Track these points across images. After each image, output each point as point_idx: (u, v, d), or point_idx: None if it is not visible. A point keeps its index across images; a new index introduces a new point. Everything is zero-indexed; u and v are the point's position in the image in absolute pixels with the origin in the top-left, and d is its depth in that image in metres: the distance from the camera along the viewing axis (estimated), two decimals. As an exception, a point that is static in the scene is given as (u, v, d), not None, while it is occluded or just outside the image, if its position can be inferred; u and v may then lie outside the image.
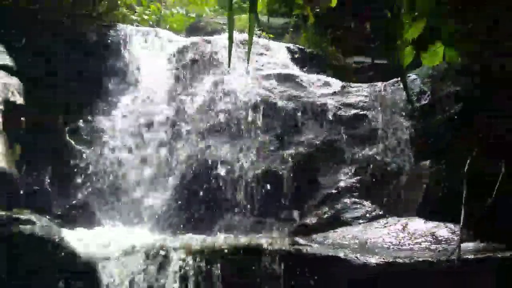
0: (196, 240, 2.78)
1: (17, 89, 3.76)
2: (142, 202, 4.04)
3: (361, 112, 4.06)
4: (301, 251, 2.29)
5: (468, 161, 2.21)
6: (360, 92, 4.28)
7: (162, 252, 2.56)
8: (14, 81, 3.81)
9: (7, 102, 3.49)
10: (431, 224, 2.43)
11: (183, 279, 2.51)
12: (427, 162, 3.07)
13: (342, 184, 3.53)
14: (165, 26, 6.51)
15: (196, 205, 3.81)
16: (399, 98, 3.99)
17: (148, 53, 5.05)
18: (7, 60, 4.00)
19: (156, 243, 2.68)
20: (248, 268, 2.44)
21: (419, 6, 3.33)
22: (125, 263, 2.40)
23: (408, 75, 4.08)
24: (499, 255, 1.90)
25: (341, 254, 2.15)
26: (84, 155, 4.26)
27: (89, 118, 4.48)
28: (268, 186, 3.77)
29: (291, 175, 3.79)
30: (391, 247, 2.30)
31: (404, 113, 3.79)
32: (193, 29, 6.37)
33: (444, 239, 2.26)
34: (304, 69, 5.04)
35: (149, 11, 6.63)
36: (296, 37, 6.07)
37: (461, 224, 1.96)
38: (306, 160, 3.85)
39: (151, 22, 6.30)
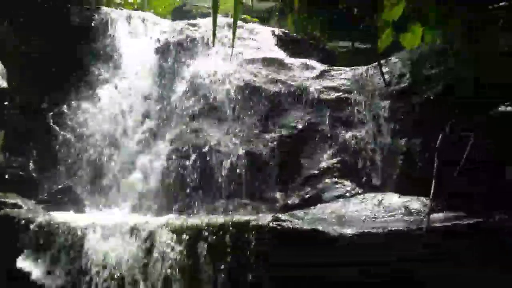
0: (180, 219, 2.85)
1: (1, 73, 3.75)
2: (126, 185, 4.09)
3: (343, 95, 4.14)
4: (283, 226, 2.38)
5: (440, 136, 2.31)
6: (342, 76, 4.34)
7: (146, 230, 2.63)
8: (-4, 64, 3.81)
9: (-11, 86, 3.48)
10: (405, 198, 2.54)
11: (168, 257, 2.58)
12: (403, 140, 3.17)
13: (323, 165, 3.62)
14: (150, 9, 6.47)
15: (181, 188, 3.87)
16: (380, 80, 4.07)
17: (133, 37, 5.04)
18: (-11, 44, 3.98)
19: (142, 222, 2.75)
20: (232, 245, 2.52)
21: (399, -12, 3.37)
22: (110, 240, 2.46)
23: (389, 58, 4.16)
24: (464, 222, 2.02)
25: (320, 227, 2.24)
26: (68, 140, 4.28)
27: (73, 103, 4.49)
28: (252, 169, 3.84)
29: (275, 157, 3.86)
30: (367, 219, 2.41)
31: (384, 95, 3.88)
32: (178, 13, 6.36)
33: (416, 211, 2.37)
34: (289, 53, 5.09)
35: (134, -5, 6.58)
36: (282, 21, 6.09)
37: (431, 195, 2.06)
38: (290, 142, 3.93)
39: (135, 6, 6.26)
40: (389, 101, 3.79)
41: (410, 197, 2.52)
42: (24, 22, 4.59)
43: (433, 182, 2.10)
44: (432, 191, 2.09)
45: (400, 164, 3.09)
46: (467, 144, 2.25)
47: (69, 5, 4.89)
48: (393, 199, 2.56)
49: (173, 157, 4.01)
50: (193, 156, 3.95)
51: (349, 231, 2.15)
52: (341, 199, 3.03)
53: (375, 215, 2.40)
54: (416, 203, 2.43)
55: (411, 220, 2.26)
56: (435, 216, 2.10)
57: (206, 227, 2.60)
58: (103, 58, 4.83)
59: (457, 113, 2.52)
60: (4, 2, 4.49)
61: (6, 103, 3.71)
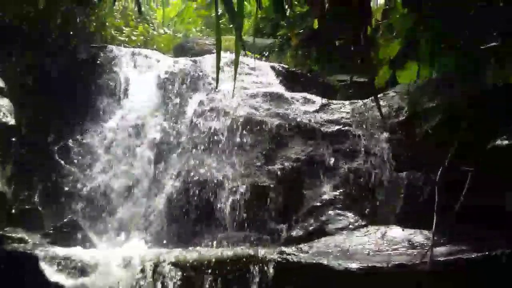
0: (185, 253, 2.88)
1: (8, 109, 3.84)
2: (131, 219, 4.12)
3: (343, 128, 4.24)
4: (288, 260, 2.41)
5: (440, 170, 2.38)
6: (342, 109, 4.46)
7: (151, 265, 2.65)
8: (5, 101, 3.90)
9: (-1, 122, 3.57)
10: (408, 232, 2.58)
11: (173, 292, 2.58)
12: (404, 174, 3.24)
13: (326, 196, 3.67)
14: (153, 45, 6.67)
15: (185, 222, 3.90)
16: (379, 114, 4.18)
17: (137, 73, 5.19)
18: (-3, 81, 4.09)
19: (147, 256, 2.77)
20: (237, 278, 2.54)
21: (395, 28, 3.55)
22: (118, 276, 2.49)
23: (387, 92, 4.28)
24: (465, 257, 2.06)
25: (325, 261, 2.28)
26: (73, 173, 4.34)
27: (79, 137, 4.58)
28: (255, 201, 3.88)
29: (278, 189, 3.91)
30: (371, 253, 2.44)
31: (383, 128, 3.98)
32: (180, 49, 6.54)
33: (419, 245, 2.41)
34: (289, 87, 5.23)
35: (137, 32, 6.80)
36: (281, 56, 6.28)
37: (433, 229, 2.11)
38: (292, 174, 3.98)
39: (139, 43, 6.46)
40: (388, 134, 3.88)
41: (414, 230, 2.56)
42: (32, 58, 4.73)
43: (435, 216, 2.15)
44: (434, 225, 2.14)
45: (403, 197, 3.14)
46: (467, 176, 2.32)
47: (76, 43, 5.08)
48: (397, 232, 2.60)
49: (177, 189, 4.06)
50: (196, 189, 3.99)
51: (353, 265, 2.18)
52: (344, 231, 3.06)
53: (379, 249, 2.44)
54: (419, 236, 2.47)
55: (415, 253, 2.30)
56: (437, 249, 2.14)
57: (209, 261, 2.62)
58: (108, 93, 4.97)
59: (455, 147, 2.59)
60: (11, 39, 4.65)
61: (13, 139, 3.78)
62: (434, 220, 2.14)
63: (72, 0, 5.25)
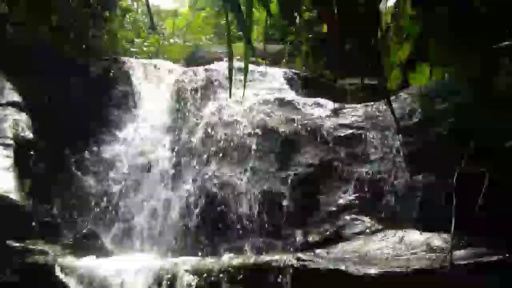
0: (203, 262, 2.90)
1: (27, 124, 3.93)
2: (148, 228, 4.16)
3: (356, 132, 4.23)
4: (306, 266, 2.42)
5: (457, 173, 2.36)
6: (354, 113, 4.45)
7: (169, 275, 2.67)
8: (23, 116, 3.99)
9: (17, 138, 3.65)
10: (426, 235, 2.56)
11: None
12: (420, 176, 3.22)
13: (341, 201, 3.66)
14: (164, 55, 6.75)
15: (201, 229, 3.92)
16: (392, 116, 4.16)
17: (149, 84, 5.26)
18: (15, 97, 4.19)
19: (164, 265, 2.80)
20: (254, 286, 2.55)
21: (406, 30, 3.54)
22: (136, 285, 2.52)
23: (400, 94, 4.26)
24: (486, 260, 2.03)
25: (343, 267, 2.27)
26: (90, 185, 4.40)
27: (94, 149, 4.65)
28: (270, 207, 3.89)
29: (292, 195, 3.92)
30: (389, 258, 2.43)
31: (397, 131, 3.96)
32: (191, 58, 6.61)
33: (438, 248, 2.39)
34: (300, 93, 5.24)
35: (148, 43, 6.90)
36: (292, 62, 6.30)
37: (452, 232, 2.09)
38: (306, 180, 3.99)
39: (150, 54, 6.55)
40: (402, 136, 3.86)
41: (432, 234, 2.54)
42: (46, 73, 4.83)
43: (453, 218, 2.14)
44: (452, 228, 2.12)
45: (419, 200, 3.12)
46: (484, 178, 2.30)
47: (88, 56, 5.18)
48: (415, 236, 2.58)
49: (192, 198, 4.10)
50: (211, 196, 4.02)
51: (372, 270, 2.17)
52: (361, 236, 3.05)
53: (397, 253, 2.42)
54: (437, 240, 2.45)
55: (434, 257, 2.28)
56: (457, 253, 2.12)
57: (226, 269, 2.63)
58: (122, 104, 5.04)
59: (472, 147, 2.57)
60: (26, 57, 4.75)
61: (32, 152, 3.86)
62: (453, 224, 2.12)
63: (84, 14, 5.36)
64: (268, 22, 5.91)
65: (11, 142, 3.57)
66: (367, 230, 3.16)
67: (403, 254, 2.42)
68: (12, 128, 3.70)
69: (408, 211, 3.23)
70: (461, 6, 2.69)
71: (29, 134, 3.82)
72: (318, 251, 2.70)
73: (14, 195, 3.24)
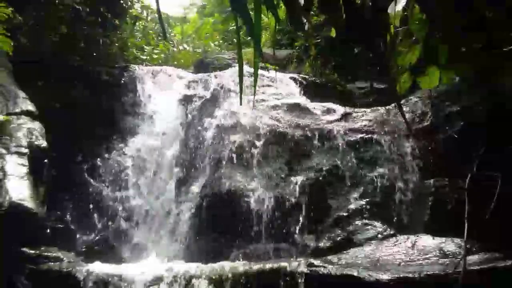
0: (217, 267, 2.91)
1: (40, 132, 3.98)
2: (159, 233, 4.18)
3: (366, 136, 4.22)
4: (317, 272, 2.41)
5: (469, 177, 2.34)
6: (364, 117, 4.45)
7: (184, 281, 2.69)
8: (36, 125, 4.05)
9: (32, 146, 3.70)
10: (439, 240, 2.54)
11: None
12: (431, 181, 3.20)
13: (352, 206, 3.65)
14: (173, 62, 6.81)
15: (212, 234, 3.93)
16: (403, 120, 4.14)
17: (159, 91, 5.30)
18: (29, 105, 4.25)
19: (178, 271, 2.81)
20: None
21: (414, 33, 3.53)
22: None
23: (410, 97, 4.25)
24: (500, 265, 2.01)
25: (355, 273, 2.27)
26: (102, 192, 4.45)
27: (106, 155, 4.69)
28: (281, 212, 3.89)
29: (303, 200, 3.92)
30: (402, 263, 2.41)
31: (407, 135, 3.94)
32: (200, 65, 6.66)
33: (451, 253, 2.37)
34: (310, 97, 5.24)
35: (158, 50, 6.97)
36: (300, 67, 6.32)
37: (465, 237, 2.08)
38: (317, 185, 3.98)
39: (160, 61, 6.61)
40: (413, 140, 3.85)
41: (444, 239, 2.52)
42: (58, 82, 4.90)
43: (466, 223, 2.12)
44: (465, 233, 2.11)
45: (430, 204, 3.10)
46: (496, 182, 2.28)
47: (98, 64, 5.25)
48: (427, 241, 2.56)
49: (202, 203, 4.11)
50: (222, 202, 4.03)
51: (384, 276, 2.16)
52: (373, 241, 3.04)
53: (410, 259, 2.41)
54: (450, 245, 2.43)
55: (447, 263, 2.26)
56: (470, 258, 2.10)
57: (239, 274, 2.64)
58: (132, 111, 5.09)
59: (483, 150, 2.55)
60: (38, 68, 4.82)
61: (45, 160, 3.91)
62: (465, 228, 2.11)
63: (94, 23, 5.43)
64: (276, 27, 5.95)
65: (26, 150, 3.62)
66: (379, 235, 3.14)
67: (416, 259, 2.40)
68: (26, 136, 3.76)
69: (420, 215, 3.22)
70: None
71: (43, 142, 3.86)
72: (329, 257, 2.69)
73: (28, 203, 3.28)
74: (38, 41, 4.89)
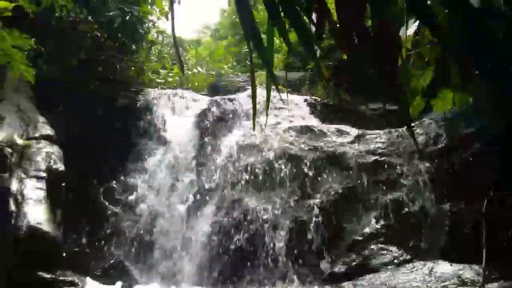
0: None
1: (58, 156, 4.07)
2: (174, 258, 4.18)
3: (380, 158, 4.20)
4: (333, 300, 2.38)
5: (486, 201, 2.30)
6: (377, 139, 4.44)
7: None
8: (54, 149, 4.14)
9: (50, 170, 3.78)
10: (456, 267, 2.49)
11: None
12: (448, 205, 3.15)
13: (367, 230, 3.61)
14: (188, 85, 6.92)
15: (226, 257, 3.92)
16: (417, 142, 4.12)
17: (174, 114, 5.39)
18: (48, 130, 4.36)
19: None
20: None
21: (426, 56, 3.55)
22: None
23: (423, 120, 4.23)
24: (521, 294, 1.96)
25: (371, 301, 2.23)
26: (117, 215, 4.48)
27: (122, 178, 4.75)
28: (295, 236, 3.87)
29: (317, 223, 3.89)
30: (419, 291, 2.37)
31: (422, 157, 3.91)
32: (214, 87, 6.74)
33: (470, 281, 2.31)
34: (322, 119, 5.26)
35: (172, 73, 7.09)
36: (313, 89, 6.35)
37: (483, 264, 2.04)
38: (330, 207, 3.96)
39: (174, 84, 6.72)
40: (427, 163, 3.82)
41: (462, 265, 2.47)
42: (75, 106, 5.01)
43: (484, 250, 2.08)
44: (484, 259, 2.06)
45: (447, 229, 3.05)
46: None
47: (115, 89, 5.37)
48: (445, 268, 2.51)
49: (216, 226, 4.11)
50: (235, 225, 4.03)
51: (402, 304, 2.12)
52: (389, 267, 2.99)
53: (427, 286, 2.36)
54: (469, 272, 2.37)
55: (466, 291, 2.22)
56: (490, 286, 2.05)
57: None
58: (147, 134, 5.17)
59: (500, 172, 2.51)
60: (56, 93, 4.95)
61: (63, 184, 3.98)
62: (484, 255, 2.07)
63: (112, 48, 5.58)
64: (288, 50, 6.01)
65: (44, 174, 3.69)
66: (395, 260, 3.09)
67: (433, 286, 2.36)
68: (45, 160, 3.84)
69: (436, 240, 3.16)
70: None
71: (60, 166, 3.94)
72: (345, 283, 2.66)
73: (45, 226, 3.33)
74: (58, 68, 5.03)
